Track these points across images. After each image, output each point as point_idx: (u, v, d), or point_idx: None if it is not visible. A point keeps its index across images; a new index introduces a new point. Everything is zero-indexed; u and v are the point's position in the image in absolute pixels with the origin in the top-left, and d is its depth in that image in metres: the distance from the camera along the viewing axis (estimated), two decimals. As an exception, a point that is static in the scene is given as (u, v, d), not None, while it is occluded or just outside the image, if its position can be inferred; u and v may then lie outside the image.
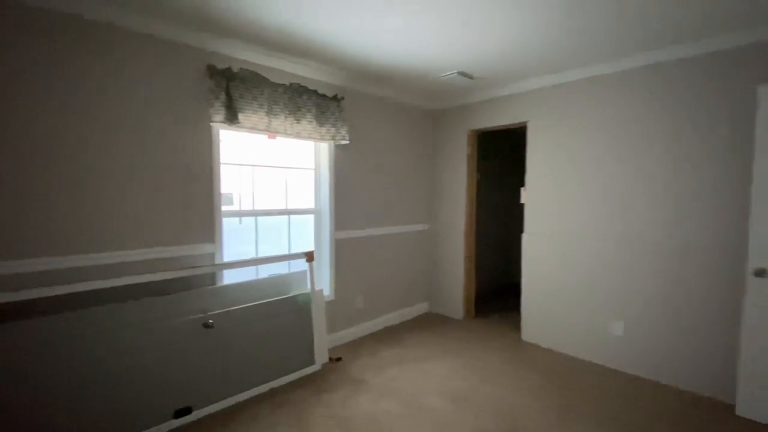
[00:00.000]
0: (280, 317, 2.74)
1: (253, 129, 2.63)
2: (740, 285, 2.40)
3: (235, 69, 2.60)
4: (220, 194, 2.64)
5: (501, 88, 3.55)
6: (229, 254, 2.79)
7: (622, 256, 2.90)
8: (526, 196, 3.49)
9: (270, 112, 2.69)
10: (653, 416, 2.34)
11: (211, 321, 2.40)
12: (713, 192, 2.51)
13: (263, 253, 3.02)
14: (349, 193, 3.42)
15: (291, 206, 3.19)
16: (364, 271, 3.61)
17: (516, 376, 2.85)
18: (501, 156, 5.44)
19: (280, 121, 2.75)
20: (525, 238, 3.49)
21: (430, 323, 3.97)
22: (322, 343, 3.01)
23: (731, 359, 2.45)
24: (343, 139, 3.15)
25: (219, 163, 2.62)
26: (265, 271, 2.98)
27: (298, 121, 2.86)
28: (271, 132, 2.73)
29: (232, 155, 2.80)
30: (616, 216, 2.93)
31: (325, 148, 3.25)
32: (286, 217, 3.15)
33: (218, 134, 2.62)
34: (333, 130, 3.09)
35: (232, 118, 2.53)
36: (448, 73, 3.15)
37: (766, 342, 2.25)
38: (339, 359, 3.10)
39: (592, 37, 2.45)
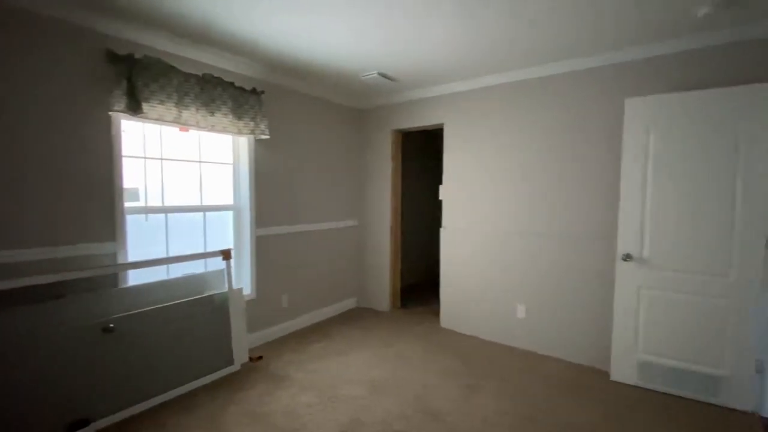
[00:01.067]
0: (194, 318, 2.63)
1: (160, 120, 2.48)
2: (613, 268, 2.80)
3: (138, 56, 2.43)
4: (122, 189, 2.46)
5: (421, 91, 3.73)
6: (135, 254, 2.61)
7: (525, 246, 3.22)
8: (443, 192, 3.71)
9: (180, 103, 2.56)
10: (547, 386, 2.65)
11: (111, 325, 2.24)
12: (595, 190, 2.90)
13: (176, 252, 2.86)
14: (272, 189, 3.37)
15: (207, 202, 3.06)
16: (290, 269, 3.58)
17: (431, 360, 3.03)
18: (427, 155, 5.70)
19: (191, 113, 2.63)
20: (443, 232, 3.72)
21: (357, 317, 4.05)
22: (242, 342, 2.94)
23: (607, 332, 2.86)
24: (263, 134, 3.09)
25: (120, 155, 2.44)
26: (179, 271, 2.83)
27: (212, 113, 2.76)
28: (182, 124, 2.60)
29: (138, 148, 2.62)
30: (520, 211, 3.25)
31: (244, 142, 3.17)
32: (201, 214, 3.02)
33: (119, 125, 2.44)
34: (252, 124, 3.02)
35: (135, 108, 2.36)
36: (369, 74, 3.24)
37: (631, 316, 2.66)
38: (260, 358, 3.05)
39: (500, 50, 2.69)
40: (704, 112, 2.38)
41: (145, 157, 2.63)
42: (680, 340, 2.52)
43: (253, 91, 3.04)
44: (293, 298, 3.64)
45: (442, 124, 3.69)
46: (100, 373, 2.18)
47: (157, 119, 2.47)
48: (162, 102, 2.48)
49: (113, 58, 2.31)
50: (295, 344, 3.33)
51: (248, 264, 3.23)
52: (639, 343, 2.65)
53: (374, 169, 4.24)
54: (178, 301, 2.55)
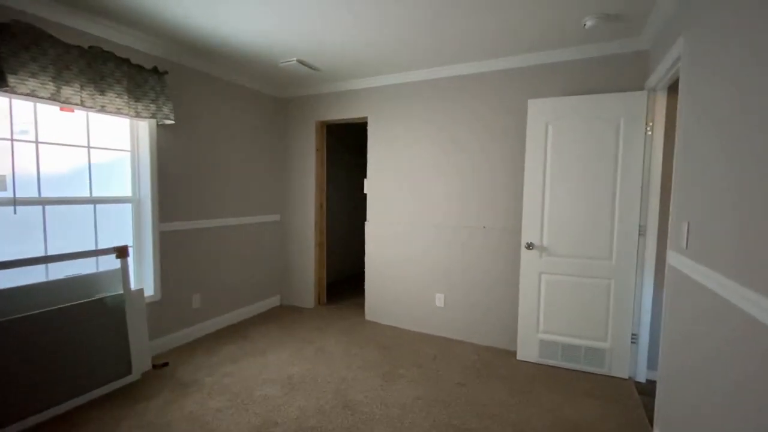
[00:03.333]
0: (81, 325, 2.31)
1: (33, 96, 2.12)
2: (518, 257, 3.03)
3: (3, 19, 2.05)
4: (-20, 176, 2.06)
5: (345, 83, 3.69)
6: (4, 255, 2.21)
7: (443, 238, 3.35)
8: (368, 186, 3.72)
9: (58, 78, 2.22)
10: (460, 368, 2.78)
11: (-36, 338, 1.87)
12: (505, 183, 3.10)
13: (58, 250, 2.49)
14: (179, 180, 3.08)
15: (99, 194, 2.70)
16: (202, 267, 3.32)
17: (352, 353, 3.02)
18: (352, 149, 5.68)
19: (73, 90, 2.29)
20: (367, 225, 3.72)
21: (280, 315, 3.90)
22: (143, 349, 2.66)
23: (515, 315, 3.09)
24: (167, 118, 2.81)
25: (-23, 135, 2.04)
26: (64, 272, 2.46)
27: (101, 92, 2.44)
28: (62, 102, 2.26)
29: (4, 128, 2.22)
30: (438, 204, 3.37)
31: (144, 127, 2.85)
32: (91, 207, 2.66)
33: (-25, 98, 2.04)
34: (153, 107, 2.73)
35: (-3, 80, 1.99)
36: (288, 61, 3.11)
37: (533, 300, 2.90)
38: (165, 364, 2.78)
39: (421, 48, 2.74)
40: (595, 114, 2.67)
41: (12, 139, 2.23)
42: (572, 319, 2.81)
43: (155, 70, 2.75)
44: (207, 299, 3.38)
45: (366, 118, 3.69)
46: (-53, 396, 1.81)
47: (28, 95, 2.11)
48: (34, 75, 2.12)
49: (-36, 17, 1.92)
50: (208, 347, 3.10)
51: (150, 262, 2.92)
52: (540, 323, 2.90)
53: (297, 162, 4.10)
54: (58, 307, 2.21)
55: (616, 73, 2.72)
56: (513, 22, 2.39)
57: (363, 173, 5.99)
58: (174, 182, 3.04)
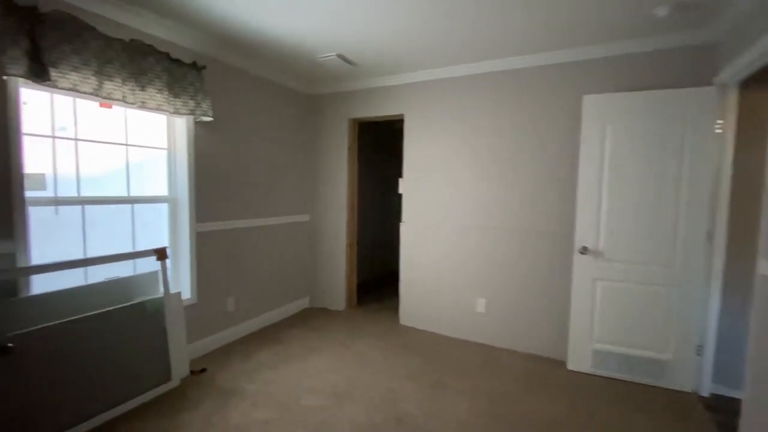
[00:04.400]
0: (120, 331, 2.21)
1: (75, 90, 2.02)
2: (571, 262, 2.87)
3: (44, 9, 1.95)
4: (22, 175, 1.97)
5: (381, 79, 3.56)
6: (41, 255, 2.12)
7: (485, 240, 3.21)
8: (403, 186, 3.58)
9: (101, 72, 2.12)
10: (509, 379, 2.65)
11: (9, 344, 1.78)
12: (554, 184, 2.95)
13: (97, 252, 2.40)
14: (215, 179, 2.98)
15: (136, 193, 2.61)
16: (236, 269, 3.21)
17: (393, 361, 2.90)
18: (381, 146, 5.55)
19: (115, 85, 2.19)
20: (402, 227, 3.59)
21: (311, 318, 3.79)
22: (181, 354, 2.57)
23: (565, 324, 2.94)
24: (206, 115, 2.71)
25: (20, 132, 1.95)
26: (102, 275, 2.37)
27: (142, 87, 2.33)
28: (104, 98, 2.16)
29: (45, 125, 2.12)
30: (480, 205, 3.22)
31: (181, 124, 2.75)
32: (129, 207, 2.57)
33: (18, 93, 1.94)
34: (192, 103, 2.62)
35: (39, 73, 1.90)
36: (327, 55, 2.99)
37: (587, 307, 2.75)
38: (203, 370, 2.69)
39: (468, 39, 2.60)
40: (659, 112, 2.50)
41: (53, 137, 2.14)
42: (629, 328, 2.65)
43: (193, 65, 2.64)
44: (240, 301, 3.28)
45: (402, 115, 3.55)
46: (-7, 406, 1.72)
47: (70, 89, 2.01)
48: (76, 69, 2.02)
49: (10, 8, 1.82)
50: (244, 352, 3.00)
51: (187, 264, 2.82)
52: (593, 332, 2.75)
53: (329, 161, 3.98)
54: (97, 312, 2.12)
55: (680, 67, 2.55)
56: (577, 12, 2.24)
57: (389, 171, 5.86)
58: (210, 181, 2.94)
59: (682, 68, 2.53)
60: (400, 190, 3.61)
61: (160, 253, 2.45)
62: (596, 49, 2.71)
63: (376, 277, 5.58)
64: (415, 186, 3.52)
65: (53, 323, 1.94)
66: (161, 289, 2.48)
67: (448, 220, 3.37)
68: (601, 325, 2.72)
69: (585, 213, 2.71)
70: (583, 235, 2.73)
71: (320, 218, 4.07)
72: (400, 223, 3.60)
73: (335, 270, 4.01)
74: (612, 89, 2.72)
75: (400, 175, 5.96)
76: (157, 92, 2.41)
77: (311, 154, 4.07)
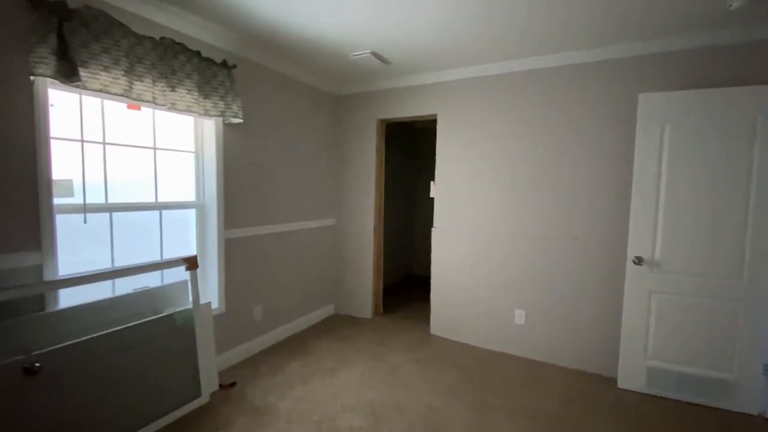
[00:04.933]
0: (150, 345, 2.09)
1: (105, 91, 1.91)
2: (621, 271, 2.68)
3: (73, 5, 1.83)
4: (50, 181, 1.86)
5: (413, 77, 3.40)
6: (69, 266, 2.02)
7: (525, 247, 3.03)
8: (435, 190, 3.42)
9: (131, 72, 2.00)
10: (556, 398, 2.47)
11: (37, 364, 1.67)
12: (603, 188, 2.76)
13: (124, 261, 2.29)
14: (243, 183, 2.85)
15: (163, 199, 2.49)
16: (263, 276, 3.09)
17: (429, 375, 2.74)
18: (402, 147, 5.39)
19: (146, 87, 2.07)
20: (434, 232, 3.43)
21: (338, 326, 3.65)
22: (211, 367, 2.45)
23: (613, 338, 2.75)
24: (236, 117, 2.58)
25: (47, 136, 1.84)
26: (129, 286, 2.26)
27: (172, 88, 2.21)
28: (134, 99, 2.04)
29: (74, 128, 2.01)
30: (519, 210, 3.05)
31: (210, 126, 2.63)
32: (156, 213, 2.45)
33: (46, 95, 1.83)
34: (222, 104, 2.50)
35: (69, 74, 1.78)
36: (360, 53, 2.84)
37: (641, 321, 2.55)
38: (233, 384, 2.56)
39: (506, 36, 2.43)
40: (724, 112, 2.30)
41: (82, 140, 2.03)
42: (690, 345, 2.45)
43: (224, 64, 2.52)
44: (267, 310, 3.16)
45: (434, 115, 3.39)
46: (23, 427, 1.61)
47: (100, 90, 1.89)
48: (107, 68, 1.90)
49: (38, 4, 1.70)
50: (273, 363, 2.87)
51: (215, 272, 2.70)
52: (648, 348, 2.55)
53: (356, 163, 3.84)
54: (128, 326, 2.00)
55: (748, 63, 2.34)
56: (639, 2, 2.05)
57: (410, 172, 5.71)
58: (238, 186, 2.81)
59: (753, 64, 2.33)
60: (432, 194, 3.45)
61: (190, 263, 2.32)
62: (655, 44, 2.51)
63: (398, 281, 5.43)
64: (448, 189, 3.35)
65: (80, 340, 1.82)
66: (190, 299, 2.36)
67: (482, 225, 3.20)
68: (657, 340, 2.52)
69: (639, 220, 2.52)
70: (637, 244, 2.53)
71: (346, 222, 3.93)
72: (432, 229, 3.44)
73: (361, 276, 3.87)
74: (670, 87, 2.52)
75: (421, 176, 5.83)
76: (187, 93, 2.29)
77: (338, 156, 3.93)
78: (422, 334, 3.49)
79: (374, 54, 2.84)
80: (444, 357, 3.05)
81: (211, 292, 2.72)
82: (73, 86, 1.83)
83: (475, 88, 3.17)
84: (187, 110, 2.31)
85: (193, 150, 2.66)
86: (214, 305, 2.70)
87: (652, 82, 2.57)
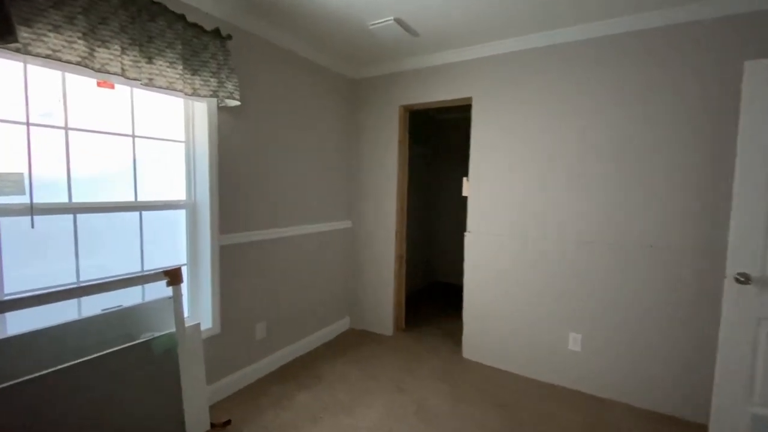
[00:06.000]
0: (120, 380, 1.66)
1: (56, 58, 1.48)
2: (715, 292, 2.10)
3: (14, -53, 1.41)
4: (-15, 174, 1.44)
5: (443, 54, 2.89)
6: (17, 280, 1.61)
7: (582, 258, 2.48)
8: (469, 187, 2.90)
9: (92, 35, 1.56)
10: (634, 455, 1.93)
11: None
12: (688, 185, 2.19)
13: (93, 273, 1.87)
14: (242, 179, 2.41)
15: (145, 198, 2.06)
16: (267, 287, 2.64)
17: (465, 413, 2.23)
18: (420, 139, 4.87)
19: (112, 55, 1.63)
20: (468, 237, 2.91)
21: (353, 345, 3.17)
22: (200, 403, 2.00)
23: (701, 374, 2.17)
24: (231, 98, 2.13)
25: (-20, 116, 1.42)
26: (95, 306, 1.84)
27: (149, 59, 1.77)
28: (97, 70, 1.60)
29: (19, 108, 1.59)
30: (576, 212, 2.50)
31: (202, 110, 2.19)
32: (135, 214, 2.02)
33: (-22, 63, 1.41)
34: (214, 82, 2.05)
35: (6, 34, 1.35)
36: (381, 21, 2.35)
37: (741, 356, 1.98)
38: (227, 423, 2.12)
39: (570, -18, 1.90)
40: None
41: (28, 123, 1.60)
42: (814, 390, 1.86)
43: (216, 33, 2.07)
44: (272, 327, 2.71)
45: (469, 99, 2.87)
46: None
47: (49, 56, 1.46)
48: (57, 28, 1.47)
49: (-43, -61, 1.28)
50: (277, 394, 2.41)
51: (209, 285, 2.26)
52: (754, 390, 1.97)
53: (375, 157, 3.35)
54: (89, 358, 1.56)
55: None
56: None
57: (429, 167, 5.19)
58: (236, 182, 2.37)
59: None
60: (465, 192, 2.93)
61: (173, 276, 1.88)
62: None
63: (419, 289, 4.92)
64: (485, 187, 2.82)
65: (34, 376, 1.40)
66: (174, 320, 1.92)
67: (528, 229, 2.66)
68: (767, 381, 1.94)
69: (745, 224, 1.94)
70: (740, 257, 1.95)
71: (364, 225, 3.45)
72: (465, 233, 2.92)
73: (381, 287, 3.38)
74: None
75: (441, 171, 5.31)
76: (168, 66, 1.84)
77: (355, 150, 3.45)
78: (452, 357, 2.97)
79: (398, 21, 2.34)
80: (481, 389, 2.53)
81: (204, 309, 2.28)
82: (11, 50, 1.41)
83: (518, 64, 2.64)
84: (170, 87, 1.86)
85: (183, 139, 2.22)
86: (207, 324, 2.26)
87: (761, 47, 1.99)
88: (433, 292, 4.86)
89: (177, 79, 1.88)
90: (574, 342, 2.52)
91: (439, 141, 5.22)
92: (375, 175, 3.36)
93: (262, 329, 2.62)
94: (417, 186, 4.79)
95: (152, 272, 1.85)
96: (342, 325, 3.47)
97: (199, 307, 2.29)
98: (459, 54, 2.82)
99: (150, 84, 1.79)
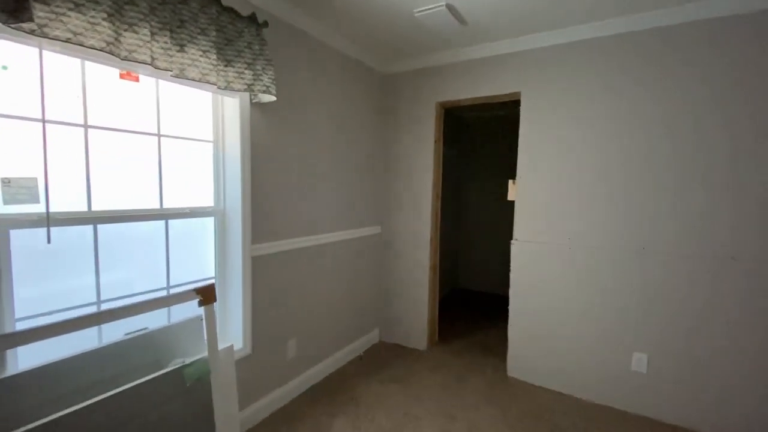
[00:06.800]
0: (148, 415, 1.44)
1: (77, 42, 1.25)
2: (813, 309, 1.87)
3: None
4: (-6, 180, 1.22)
5: (488, 45, 2.65)
6: (31, 301, 1.39)
7: (649, 270, 2.24)
8: (516, 191, 2.66)
9: (118, 16, 1.34)
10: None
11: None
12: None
13: (114, 290, 1.65)
14: (276, 182, 2.18)
15: (171, 204, 1.84)
16: (297, 301, 2.41)
17: (530, 448, 2.00)
18: (449, 140, 4.63)
19: (141, 40, 1.41)
20: (516, 246, 2.67)
21: (387, 361, 2.94)
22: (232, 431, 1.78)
23: (792, 402, 1.94)
24: (267, 92, 1.89)
25: (-12, 110, 1.20)
26: (118, 329, 1.62)
27: (180, 47, 1.54)
28: (124, 58, 1.38)
29: (32, 102, 1.37)
30: (642, 218, 2.26)
31: (233, 106, 1.96)
32: (160, 223, 1.80)
33: (-14, 48, 1.19)
34: (249, 74, 1.82)
35: (17, 11, 1.13)
36: (431, 7, 2.11)
37: None
38: (262, 457, 1.89)
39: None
40: None
41: (44, 120, 1.37)
42: None
43: (252, 18, 1.84)
44: (302, 344, 2.48)
45: (517, 94, 2.63)
46: None
47: (69, 40, 1.23)
48: (79, 7, 1.24)
49: None
50: (312, 418, 2.18)
51: (239, 302, 2.03)
52: None
53: (408, 158, 3.12)
54: (114, 393, 1.34)
55: None
56: None
57: (460, 170, 4.96)
58: (268, 185, 2.14)
59: None
60: (511, 196, 2.70)
61: (206, 295, 1.65)
62: None
63: (442, 297, 4.68)
64: (535, 190, 2.59)
65: (48, 420, 1.18)
66: (206, 343, 1.69)
67: (585, 237, 2.42)
68: None
69: None
70: None
71: (395, 230, 3.22)
72: (512, 241, 2.68)
73: (413, 297, 3.15)
74: None
75: (467, 173, 5.06)
76: (201, 55, 1.61)
77: (385, 150, 3.22)
78: (497, 376, 2.74)
79: (450, 8, 2.11)
80: (535, 413, 2.29)
81: (235, 328, 2.06)
82: (25, 31, 1.18)
83: (575, 55, 2.40)
84: (203, 80, 1.63)
85: (211, 138, 2.00)
86: (238, 345, 2.03)
87: None
88: (458, 300, 4.62)
89: (210, 70, 1.65)
90: (639, 363, 2.29)
91: (465, 142, 4.98)
92: (407, 176, 3.12)
93: (293, 347, 2.39)
94: (445, 186, 4.55)
95: (183, 291, 1.62)
96: (371, 338, 3.23)
97: (229, 326, 2.06)
98: (504, 46, 2.58)
99: (181, 75, 1.56)
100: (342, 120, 2.71)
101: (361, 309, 3.07)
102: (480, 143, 4.90)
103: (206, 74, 1.64)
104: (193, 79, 1.60)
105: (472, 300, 4.61)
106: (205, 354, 1.67)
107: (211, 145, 2.01)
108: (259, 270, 2.11)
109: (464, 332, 3.56)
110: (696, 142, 2.10)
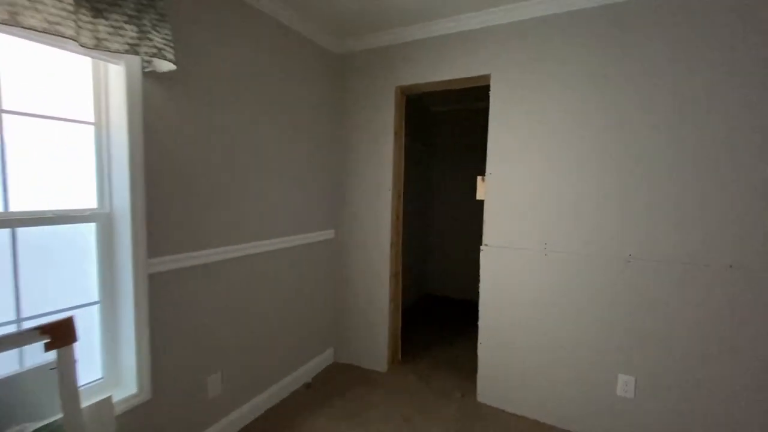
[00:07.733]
0: None
1: None
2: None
3: None
4: None
5: (452, 20, 2.28)
6: None
7: (632, 280, 1.94)
8: (486, 189, 2.31)
9: None
10: None
11: None
12: (780, 185, 1.68)
13: None
14: (180, 178, 1.71)
15: (26, 206, 1.35)
16: (223, 325, 1.95)
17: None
18: (413, 133, 4.25)
19: None
20: (484, 252, 2.32)
21: (338, 388, 2.52)
22: None
23: (800, 433, 1.67)
24: (160, 56, 1.43)
25: None
26: None
27: (7, -23, 1.07)
28: None
29: None
30: (627, 221, 1.95)
31: (117, 74, 1.49)
32: (6, 232, 1.30)
33: None
34: (132, 30, 1.35)
35: None
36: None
37: None
38: None
39: None
40: None
41: None
42: None
43: (135, -44, 1.37)
44: (232, 377, 2.02)
45: (487, 77, 2.28)
46: None
47: None
48: None
49: None
50: (236, 477, 1.74)
51: (131, 332, 1.56)
52: None
53: (364, 151, 2.72)
54: None
55: None
56: None
57: (427, 166, 4.61)
58: (173, 181, 1.68)
59: None
60: (480, 195, 2.35)
61: (58, 333, 1.18)
62: None
63: (410, 305, 4.30)
64: (506, 189, 2.24)
65: None
66: (61, 403, 1.22)
67: (564, 243, 2.10)
68: None
69: None
70: None
71: (350, 235, 2.80)
72: (481, 246, 2.33)
73: (372, 311, 2.75)
74: None
75: (434, 170, 4.71)
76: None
77: (339, 142, 2.80)
78: (468, 403, 2.37)
79: (404, -37, 1.71)
80: (510, 451, 1.94)
81: (126, 366, 1.58)
82: None
83: (555, 31, 2.07)
84: (50, 31, 1.16)
85: (92, 120, 1.52)
86: (130, 389, 1.55)
87: None
88: (426, 308, 4.27)
89: (64, 18, 1.17)
90: (625, 386, 1.98)
91: (432, 137, 4.63)
92: (365, 173, 2.72)
93: (216, 382, 1.93)
94: (408, 185, 4.18)
95: (22, 331, 1.15)
96: (325, 359, 2.80)
97: (119, 365, 1.58)
98: (468, 21, 2.22)
99: (12, 21, 1.08)
100: (284, 106, 2.27)
101: (310, 327, 2.63)
102: (452, 139, 4.57)
103: (56, 23, 1.16)
104: (34, 29, 1.12)
105: (443, 307, 4.27)
106: (59, 415, 1.20)
107: (93, 128, 1.52)
108: (161, 290, 1.64)
109: (432, 346, 3.19)
110: (698, 138, 1.81)
